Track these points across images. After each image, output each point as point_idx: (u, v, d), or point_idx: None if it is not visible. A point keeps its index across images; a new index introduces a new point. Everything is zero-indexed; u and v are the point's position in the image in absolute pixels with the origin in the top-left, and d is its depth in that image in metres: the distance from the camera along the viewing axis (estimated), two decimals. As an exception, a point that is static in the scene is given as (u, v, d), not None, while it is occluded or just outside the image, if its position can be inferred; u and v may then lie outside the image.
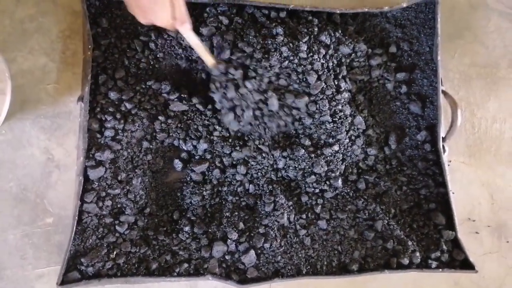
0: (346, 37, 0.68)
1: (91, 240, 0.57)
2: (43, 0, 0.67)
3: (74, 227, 0.55)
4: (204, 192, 0.62)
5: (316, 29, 0.66)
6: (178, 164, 0.63)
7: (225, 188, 0.63)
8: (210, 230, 0.60)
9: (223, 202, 0.62)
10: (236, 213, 0.61)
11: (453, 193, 0.68)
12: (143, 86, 0.64)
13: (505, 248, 0.70)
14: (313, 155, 0.63)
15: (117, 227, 0.58)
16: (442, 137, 0.67)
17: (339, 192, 0.64)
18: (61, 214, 0.61)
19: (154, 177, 0.62)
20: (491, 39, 0.78)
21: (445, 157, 0.67)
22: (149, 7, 0.54)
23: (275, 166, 0.64)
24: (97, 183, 0.59)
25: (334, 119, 0.64)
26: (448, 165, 0.71)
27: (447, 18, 0.77)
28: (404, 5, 0.70)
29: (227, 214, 0.61)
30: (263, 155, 0.63)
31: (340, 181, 0.64)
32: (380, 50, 0.71)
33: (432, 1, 0.69)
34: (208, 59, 0.61)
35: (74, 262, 0.55)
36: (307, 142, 0.64)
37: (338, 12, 0.68)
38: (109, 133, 0.60)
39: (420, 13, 0.72)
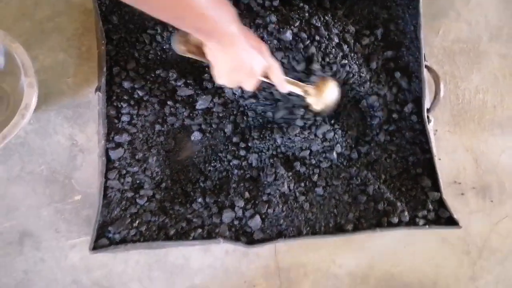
0: (335, 20, 0.74)
1: (116, 211, 0.65)
2: (58, 2, 0.74)
3: (101, 201, 0.63)
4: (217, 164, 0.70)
5: (307, 14, 0.72)
6: (196, 135, 0.70)
7: (231, 163, 0.70)
8: (219, 200, 0.67)
9: (230, 175, 0.70)
10: (241, 184, 0.68)
11: (439, 159, 0.74)
12: (153, 75, 0.71)
13: (489, 207, 0.76)
14: (308, 135, 0.69)
15: (137, 200, 0.66)
16: (427, 108, 0.73)
17: (333, 162, 0.71)
18: (87, 191, 0.69)
19: (167, 156, 0.70)
20: (473, 15, 0.83)
21: (430, 127, 0.73)
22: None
23: (275, 145, 0.71)
24: (118, 162, 0.66)
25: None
26: (435, 134, 0.77)
27: (431, -2, 0.82)
28: (389, -13, 0.75)
29: (234, 185, 0.68)
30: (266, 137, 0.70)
31: (335, 154, 0.71)
32: (367, 31, 0.76)
33: (415, -17, 0.75)
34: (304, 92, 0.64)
35: (102, 230, 0.63)
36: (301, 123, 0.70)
37: (328, -3, 0.74)
38: (125, 118, 0.68)
39: (404, -5, 0.77)
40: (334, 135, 0.70)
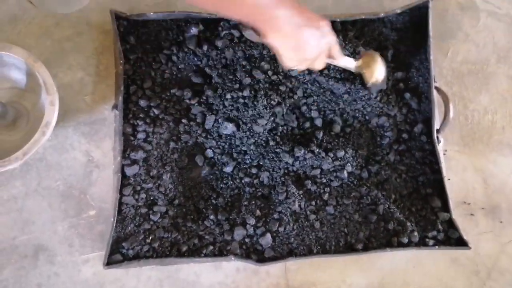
0: (347, 42, 0.76)
1: (129, 227, 0.66)
2: (78, 23, 0.76)
3: (116, 217, 0.65)
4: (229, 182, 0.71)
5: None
6: (209, 153, 0.72)
7: (243, 181, 0.71)
8: (231, 217, 0.68)
9: (241, 193, 0.71)
10: (253, 202, 0.69)
11: (448, 179, 0.75)
12: (168, 94, 0.73)
13: (499, 228, 0.76)
14: (321, 155, 0.70)
15: (151, 216, 0.67)
16: (437, 129, 0.74)
17: (344, 181, 0.72)
18: (102, 206, 0.70)
19: (180, 173, 0.71)
20: (481, 37, 0.84)
21: (440, 147, 0.74)
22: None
23: (286, 163, 0.72)
24: (132, 179, 0.68)
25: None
26: (444, 154, 0.78)
27: (440, 20, 0.84)
28: (398, 11, 0.77)
29: (245, 203, 0.69)
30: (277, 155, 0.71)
31: (345, 173, 0.72)
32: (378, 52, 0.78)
33: (424, 6, 0.76)
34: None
35: (116, 246, 0.64)
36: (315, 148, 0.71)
37: (338, 20, 0.76)
38: (141, 135, 0.69)
39: (413, 17, 0.79)
40: (345, 154, 0.71)
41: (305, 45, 0.55)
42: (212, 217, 0.68)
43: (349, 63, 0.69)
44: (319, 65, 0.61)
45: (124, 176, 0.68)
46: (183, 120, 0.72)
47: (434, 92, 0.74)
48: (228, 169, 0.71)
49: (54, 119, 0.64)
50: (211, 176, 0.72)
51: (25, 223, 0.69)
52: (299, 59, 0.57)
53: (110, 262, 0.63)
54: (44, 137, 0.63)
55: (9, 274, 0.67)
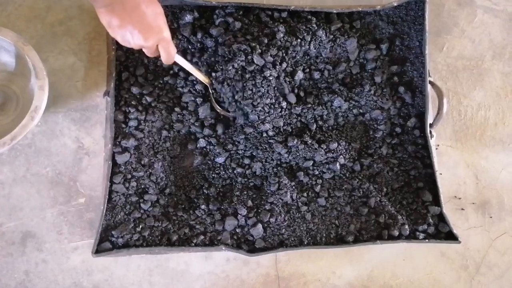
0: (342, 33, 0.76)
1: (119, 215, 0.65)
2: (70, 7, 0.75)
3: (105, 205, 0.64)
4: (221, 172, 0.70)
5: (314, 26, 0.73)
6: (202, 143, 0.71)
7: (235, 171, 0.71)
8: (222, 207, 0.68)
9: (233, 183, 0.70)
10: (245, 192, 0.69)
11: (440, 174, 0.75)
12: (161, 82, 0.72)
13: (489, 223, 0.77)
14: (313, 146, 0.70)
15: (141, 205, 0.66)
16: (430, 123, 0.74)
17: (336, 174, 0.72)
18: (92, 194, 0.69)
19: (172, 162, 0.70)
20: (477, 33, 0.84)
21: (433, 142, 0.74)
22: (155, 30, 0.56)
23: (279, 154, 0.71)
24: (123, 167, 0.67)
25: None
26: (436, 148, 0.78)
27: (436, 15, 0.83)
28: (395, 4, 0.76)
29: (237, 193, 0.69)
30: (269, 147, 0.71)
31: (338, 166, 0.72)
32: (373, 45, 0.78)
33: (421, 0, 0.76)
34: (202, 78, 0.69)
35: (106, 234, 0.64)
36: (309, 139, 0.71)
37: (334, 11, 0.75)
38: (132, 123, 0.68)
39: (410, 11, 0.78)
40: (338, 146, 0.71)
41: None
42: (203, 206, 0.67)
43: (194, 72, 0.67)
44: (170, 47, 0.59)
45: (114, 163, 0.67)
46: (176, 109, 0.71)
47: (429, 86, 0.74)
48: (220, 159, 0.70)
49: (44, 104, 0.62)
50: (203, 166, 0.71)
51: (12, 209, 0.68)
52: (139, 34, 0.55)
53: (99, 250, 0.62)
54: (33, 122, 0.61)
55: (-5, 261, 0.66)
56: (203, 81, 0.69)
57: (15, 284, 0.66)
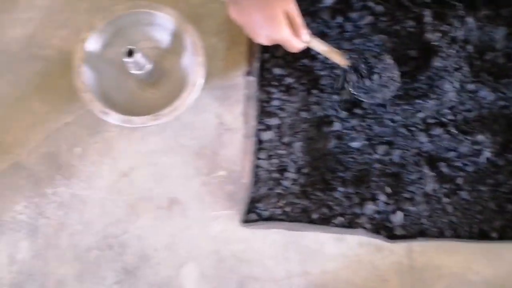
0: (489, 21, 0.71)
1: (263, 190, 0.68)
2: (212, -11, 0.78)
3: (252, 178, 0.67)
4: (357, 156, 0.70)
5: (463, 12, 0.70)
6: (337, 126, 0.71)
7: (372, 157, 0.70)
8: (360, 191, 0.68)
9: (369, 168, 0.70)
10: (382, 179, 0.69)
11: None
12: (299, 64, 0.73)
13: None
14: (458, 137, 0.68)
15: (282, 181, 0.69)
16: None
17: (479, 167, 0.69)
18: (231, 168, 0.73)
19: (308, 143, 0.72)
20: None
21: None
22: (267, 32, 0.59)
23: (420, 143, 0.69)
24: (267, 144, 0.70)
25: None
26: None
27: None
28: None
29: (375, 179, 0.69)
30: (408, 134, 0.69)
31: (483, 158, 0.68)
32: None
33: None
34: (340, 60, 0.67)
35: (251, 206, 0.67)
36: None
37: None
38: (275, 102, 0.71)
39: None
40: (484, 138, 0.68)
41: (252, 18, 0.57)
42: (341, 189, 0.68)
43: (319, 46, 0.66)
44: (289, 44, 0.60)
45: (259, 140, 0.69)
46: (313, 91, 0.72)
47: None
48: (356, 144, 0.70)
49: (202, 79, 0.66)
50: (338, 149, 0.72)
51: (160, 176, 0.73)
52: (254, 33, 0.60)
53: (247, 220, 0.65)
54: (193, 96, 0.66)
55: (145, 222, 0.72)
56: (339, 64, 0.69)
57: (162, 245, 0.71)
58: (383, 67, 0.66)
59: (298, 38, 0.62)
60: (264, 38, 0.61)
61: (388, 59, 0.66)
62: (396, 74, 0.67)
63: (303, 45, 0.64)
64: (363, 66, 0.66)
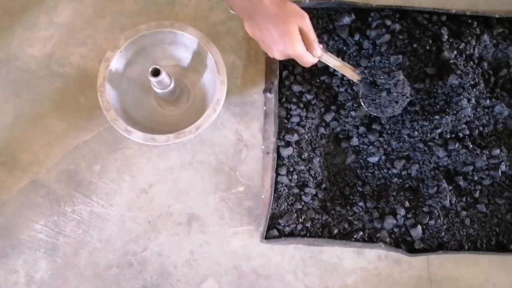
0: (503, 38, 0.74)
1: (283, 206, 0.69)
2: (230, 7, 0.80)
3: (272, 194, 0.68)
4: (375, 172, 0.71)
5: (477, 30, 0.73)
6: (355, 141, 0.72)
7: (390, 171, 0.72)
8: (379, 206, 0.69)
9: (388, 183, 0.71)
10: (401, 193, 0.70)
11: None
12: (317, 80, 0.75)
13: None
14: (475, 151, 0.69)
15: (302, 197, 0.69)
16: None
17: (495, 180, 0.70)
18: (250, 184, 0.74)
19: (325, 158, 0.73)
20: None
21: None
22: (281, 47, 0.60)
23: (438, 157, 0.71)
24: (287, 160, 0.71)
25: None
26: None
27: None
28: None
29: (393, 193, 0.70)
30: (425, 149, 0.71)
31: (499, 172, 0.70)
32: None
33: None
34: (351, 75, 0.69)
35: (272, 222, 0.67)
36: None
37: (497, 16, 0.74)
38: (295, 119, 0.72)
39: None
40: (500, 152, 0.70)
41: (266, 34, 0.59)
42: (361, 204, 0.69)
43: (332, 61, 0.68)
44: (303, 59, 0.62)
45: (279, 156, 0.70)
46: (332, 107, 0.73)
47: None
48: (373, 159, 0.72)
49: (224, 97, 0.67)
50: (356, 164, 0.73)
51: (179, 192, 0.74)
52: (269, 48, 0.61)
53: (267, 237, 0.66)
54: (215, 114, 0.66)
55: (164, 239, 0.72)
56: (352, 79, 0.70)
57: (182, 262, 0.72)
58: (394, 83, 0.68)
59: (311, 53, 0.64)
60: (278, 53, 0.62)
61: (399, 76, 0.68)
62: (407, 90, 0.68)
63: (316, 60, 0.65)
64: (374, 81, 0.68)
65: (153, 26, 0.66)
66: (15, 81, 0.76)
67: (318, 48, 0.64)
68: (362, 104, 0.69)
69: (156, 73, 0.61)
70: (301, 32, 0.61)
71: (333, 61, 0.68)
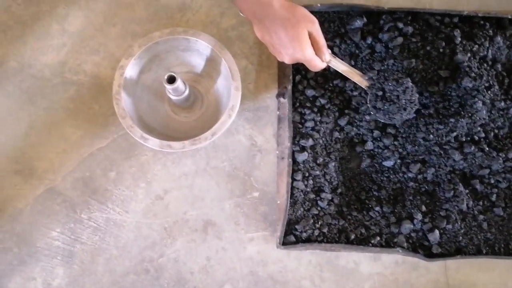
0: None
1: (300, 211, 0.69)
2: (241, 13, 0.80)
3: (289, 200, 0.68)
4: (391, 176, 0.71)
5: (491, 31, 0.72)
6: (369, 145, 0.72)
7: (405, 175, 0.71)
8: (396, 210, 0.69)
9: (404, 187, 0.71)
10: (418, 197, 0.70)
11: None
12: (331, 84, 0.75)
13: None
14: (491, 154, 0.69)
15: (319, 202, 0.69)
16: None
17: None
18: (264, 189, 0.74)
19: (340, 163, 0.73)
20: None
21: None
22: (290, 51, 0.61)
23: (454, 161, 0.70)
24: (302, 165, 0.70)
25: None
26: None
27: None
28: None
29: (410, 197, 0.70)
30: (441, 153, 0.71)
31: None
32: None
33: None
34: (360, 81, 0.69)
35: (289, 228, 0.67)
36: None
37: (509, 17, 0.73)
38: (309, 124, 0.72)
39: None
40: (517, 155, 0.69)
41: (276, 38, 0.59)
42: (377, 208, 0.69)
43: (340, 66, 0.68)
44: (312, 63, 0.62)
45: (294, 161, 0.70)
46: (346, 111, 0.73)
47: None
48: (389, 163, 0.71)
49: (238, 103, 0.67)
50: (371, 168, 0.73)
51: (195, 199, 0.74)
52: (278, 51, 0.62)
53: (285, 243, 0.66)
54: (230, 120, 0.66)
55: (181, 246, 0.72)
56: (360, 84, 0.69)
57: (198, 268, 0.72)
58: (403, 90, 0.67)
59: (320, 58, 0.64)
60: (287, 57, 0.62)
61: (408, 83, 0.67)
62: (415, 97, 0.68)
63: (324, 65, 0.65)
64: (382, 87, 0.68)
65: (166, 33, 0.66)
66: (29, 90, 0.77)
67: (327, 53, 0.65)
68: (370, 111, 0.69)
69: (171, 80, 0.61)
70: (311, 36, 0.62)
71: (341, 67, 0.68)
